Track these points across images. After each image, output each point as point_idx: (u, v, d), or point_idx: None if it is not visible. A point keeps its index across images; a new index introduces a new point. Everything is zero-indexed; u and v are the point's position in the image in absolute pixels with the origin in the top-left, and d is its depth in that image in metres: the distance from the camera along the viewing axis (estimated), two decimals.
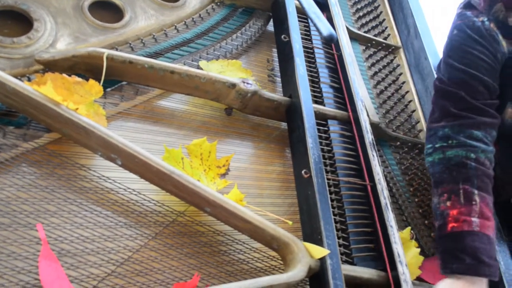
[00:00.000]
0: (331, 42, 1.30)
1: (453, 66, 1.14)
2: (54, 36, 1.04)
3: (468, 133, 1.08)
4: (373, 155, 1.15)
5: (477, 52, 1.13)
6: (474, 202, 1.02)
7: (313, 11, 1.19)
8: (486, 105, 1.10)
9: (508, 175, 1.30)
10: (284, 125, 1.26)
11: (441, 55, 1.59)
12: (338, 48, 1.41)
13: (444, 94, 1.14)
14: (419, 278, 1.14)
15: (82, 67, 1.01)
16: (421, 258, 1.16)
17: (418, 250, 1.16)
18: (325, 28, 1.09)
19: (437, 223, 1.06)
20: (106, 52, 1.00)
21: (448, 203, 1.04)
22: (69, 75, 0.93)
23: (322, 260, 0.92)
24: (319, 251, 0.92)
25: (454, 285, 0.98)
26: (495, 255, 1.00)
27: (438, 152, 1.10)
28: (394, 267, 1.00)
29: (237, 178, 1.09)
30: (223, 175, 1.06)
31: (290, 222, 1.04)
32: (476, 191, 1.03)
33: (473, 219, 1.00)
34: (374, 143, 1.19)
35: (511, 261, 1.19)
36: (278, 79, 1.36)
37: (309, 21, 1.42)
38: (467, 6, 1.22)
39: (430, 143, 1.13)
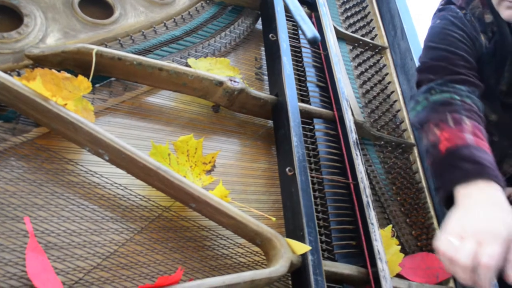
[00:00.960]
0: (314, 45, 1.32)
1: (434, 47, 1.16)
2: (44, 32, 1.05)
3: (452, 85, 1.07)
4: (357, 154, 1.18)
5: (458, 35, 1.14)
6: (464, 124, 0.98)
7: (299, 13, 1.20)
8: (466, 69, 1.11)
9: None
10: (270, 123, 1.28)
11: None
12: (325, 48, 1.43)
13: (425, 69, 1.15)
14: (399, 275, 1.17)
15: (71, 62, 1.02)
16: (402, 255, 1.18)
17: (399, 247, 1.19)
18: (310, 31, 1.11)
19: (430, 155, 1.02)
20: (95, 48, 1.01)
21: (437, 130, 1.00)
22: (59, 71, 0.94)
23: (304, 256, 0.94)
24: (301, 247, 0.94)
25: (466, 199, 0.89)
26: (492, 165, 0.93)
27: (422, 102, 1.08)
28: (374, 264, 1.02)
29: (223, 174, 1.11)
30: (209, 172, 1.07)
31: (274, 219, 1.06)
32: (465, 117, 1.00)
33: (466, 135, 0.96)
34: (358, 142, 1.22)
35: None
36: (266, 77, 1.38)
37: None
38: (448, 2, 1.25)
39: (414, 100, 1.13)
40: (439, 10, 1.26)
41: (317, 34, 1.13)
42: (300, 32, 1.46)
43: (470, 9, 1.18)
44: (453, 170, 0.93)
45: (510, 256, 0.77)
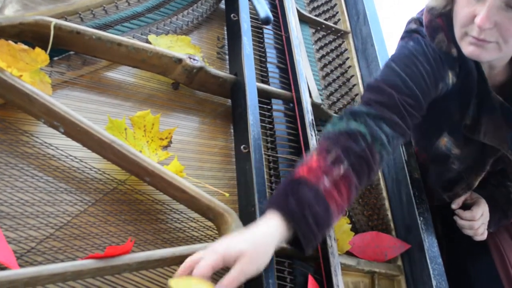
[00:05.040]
0: (266, 24, 1.34)
1: (393, 70, 1.09)
2: (3, 2, 1.04)
3: (379, 124, 1.01)
4: (312, 134, 1.21)
5: (423, 69, 1.09)
6: (337, 169, 0.92)
7: None
8: (408, 114, 1.06)
9: (437, 187, 1.41)
10: (230, 102, 1.29)
11: (387, 43, 1.67)
12: (286, 30, 1.45)
13: (373, 89, 1.08)
14: (349, 253, 1.21)
15: (29, 34, 1.02)
16: (352, 233, 1.23)
17: (350, 226, 1.23)
18: (263, 10, 1.14)
19: (296, 168, 0.95)
20: (54, 21, 1.01)
21: (315, 156, 0.94)
22: (16, 42, 0.94)
23: None
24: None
25: (266, 224, 0.85)
26: (323, 229, 0.89)
27: (342, 122, 1.01)
28: (323, 241, 1.06)
29: (180, 150, 1.13)
30: (165, 147, 1.09)
31: (227, 194, 1.09)
32: (346, 165, 0.93)
33: (325, 178, 0.89)
34: (314, 123, 1.25)
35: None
36: (228, 57, 1.40)
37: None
38: (416, 30, 1.20)
39: (340, 115, 1.05)
40: (413, 30, 1.20)
41: (270, 14, 1.15)
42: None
43: (436, 43, 1.13)
44: (281, 197, 0.89)
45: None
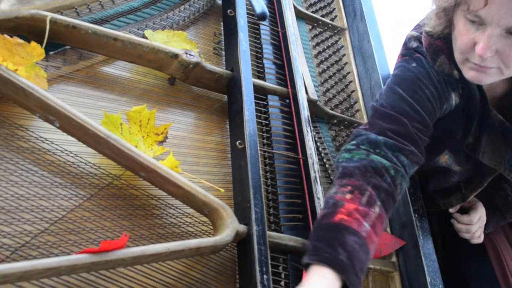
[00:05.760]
0: (262, 20, 1.34)
1: (400, 95, 1.07)
2: None
3: (397, 154, 1.00)
4: (307, 131, 1.21)
5: (429, 92, 1.08)
6: (373, 210, 0.91)
7: None
8: (421, 140, 1.05)
9: (434, 193, 1.41)
10: (226, 97, 1.29)
11: (383, 41, 1.67)
12: (283, 26, 1.45)
13: (384, 116, 1.06)
14: None
15: (25, 29, 1.01)
16: None
17: None
18: (259, 6, 1.14)
19: (324, 210, 0.93)
20: (50, 15, 1.01)
21: (348, 196, 0.92)
22: (11, 36, 0.94)
23: (249, 226, 0.98)
24: None
25: (321, 279, 0.82)
26: (363, 273, 0.87)
27: (361, 153, 0.99)
28: None
29: (175, 146, 1.13)
30: (161, 142, 1.09)
31: (222, 190, 1.09)
32: (379, 203, 0.93)
33: (365, 223, 0.89)
34: (310, 119, 1.25)
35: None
36: (224, 53, 1.40)
37: None
38: (417, 49, 1.17)
39: (356, 142, 1.03)
40: (414, 49, 1.17)
41: (266, 10, 1.15)
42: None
43: (438, 66, 1.11)
44: (329, 249, 0.85)
45: None
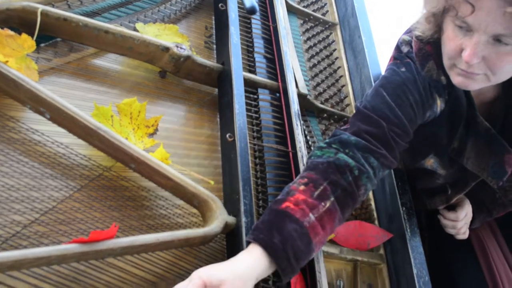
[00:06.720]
0: (251, 14, 1.35)
1: (384, 99, 1.09)
2: None
3: (367, 155, 1.02)
4: (297, 125, 1.23)
5: (412, 99, 1.09)
6: (323, 204, 0.93)
7: None
8: (396, 145, 1.07)
9: (422, 193, 1.43)
10: (216, 91, 1.30)
11: (374, 36, 1.68)
12: (274, 20, 1.46)
13: (364, 117, 1.08)
14: (332, 241, 1.23)
15: (16, 20, 1.02)
16: None
17: None
18: (248, 0, 1.14)
19: (278, 197, 0.96)
20: (41, 7, 1.01)
21: (302, 187, 0.95)
22: (2, 28, 0.94)
23: (238, 218, 0.99)
24: None
25: (248, 256, 0.87)
26: (302, 263, 0.90)
27: (331, 151, 1.02)
28: None
29: (166, 138, 1.14)
30: (152, 135, 1.10)
31: (212, 182, 1.10)
32: (333, 199, 0.95)
33: (311, 215, 0.91)
34: (300, 113, 1.26)
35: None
36: (215, 46, 1.40)
37: None
38: (408, 55, 1.18)
39: (329, 140, 1.06)
40: (406, 54, 1.18)
41: (255, 4, 1.15)
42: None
43: (426, 71, 1.12)
44: (266, 232, 0.89)
45: None
